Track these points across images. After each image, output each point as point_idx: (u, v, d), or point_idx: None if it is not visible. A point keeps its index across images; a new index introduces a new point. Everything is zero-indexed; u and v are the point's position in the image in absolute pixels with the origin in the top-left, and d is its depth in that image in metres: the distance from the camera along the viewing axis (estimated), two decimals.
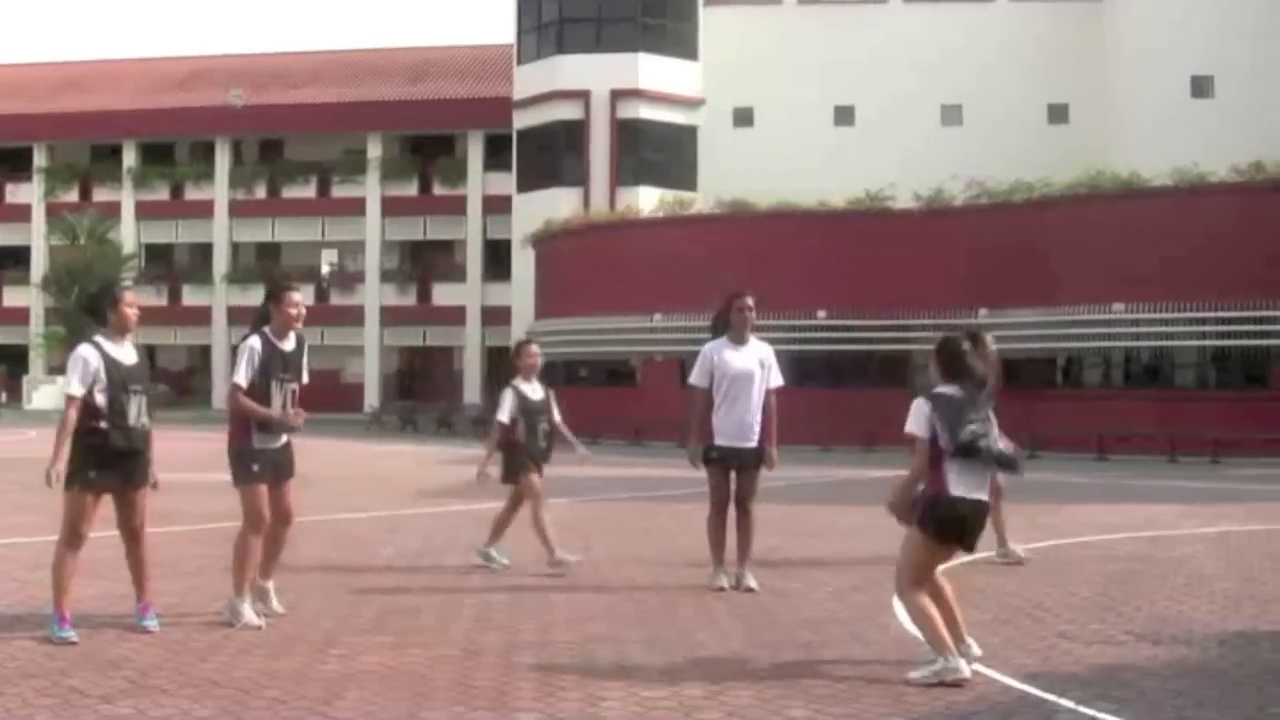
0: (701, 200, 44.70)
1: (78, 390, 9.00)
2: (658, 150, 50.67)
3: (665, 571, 12.40)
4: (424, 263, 64.57)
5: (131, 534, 9.31)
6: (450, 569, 12.51)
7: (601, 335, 42.75)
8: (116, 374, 9.08)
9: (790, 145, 49.26)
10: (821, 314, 37.27)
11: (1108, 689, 7.75)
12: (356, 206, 63.68)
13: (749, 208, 40.42)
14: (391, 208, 63.60)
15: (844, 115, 52.11)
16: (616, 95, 50.36)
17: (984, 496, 8.27)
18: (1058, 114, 51.04)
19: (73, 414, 8.97)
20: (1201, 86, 46.28)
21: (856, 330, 38.17)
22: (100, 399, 9.02)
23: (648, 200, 46.87)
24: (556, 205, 48.46)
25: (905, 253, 37.47)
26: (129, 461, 9.14)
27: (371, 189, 63.72)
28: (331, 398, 55.77)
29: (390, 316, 63.26)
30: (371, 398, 59.83)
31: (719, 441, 11.37)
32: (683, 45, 51.50)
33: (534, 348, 12.91)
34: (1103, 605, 10.64)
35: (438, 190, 63.56)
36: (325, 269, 62.25)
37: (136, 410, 9.17)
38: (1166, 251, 33.84)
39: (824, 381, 36.88)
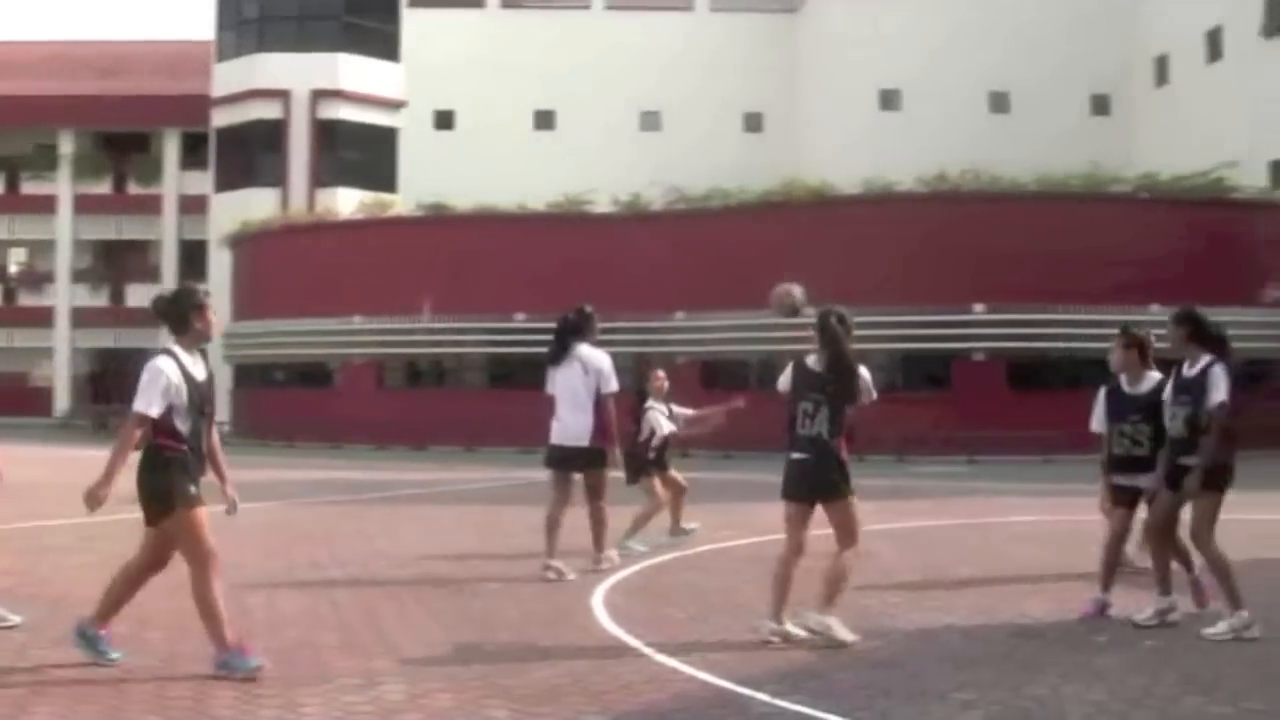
0: (401, 203, 44.49)
1: (157, 411, 8.01)
2: (358, 151, 50.29)
3: (364, 574, 12.34)
4: (117, 263, 62.58)
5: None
6: None
7: (300, 338, 42.08)
8: (195, 394, 8.14)
9: (491, 149, 49.47)
10: (520, 316, 37.31)
11: (801, 682, 7.99)
12: (47, 204, 61.36)
13: (448, 210, 40.29)
14: (84, 206, 61.40)
15: (544, 120, 52.57)
16: (317, 95, 49.84)
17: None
18: (753, 123, 52.28)
19: (139, 435, 8.07)
20: (889, 99, 47.86)
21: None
22: (180, 424, 8.10)
23: (347, 202, 46.44)
24: (254, 206, 47.62)
25: (605, 256, 37.67)
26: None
27: (63, 186, 61.47)
28: (18, 401, 54.37)
29: (81, 318, 61.13)
30: (62, 401, 57.98)
31: None
32: (385, 46, 51.22)
33: (661, 372, 15.91)
34: (797, 601, 10.91)
35: (132, 189, 61.60)
36: (13, 269, 60.04)
37: (207, 435, 8.33)
38: (856, 258, 34.73)
39: (524, 384, 36.95)
